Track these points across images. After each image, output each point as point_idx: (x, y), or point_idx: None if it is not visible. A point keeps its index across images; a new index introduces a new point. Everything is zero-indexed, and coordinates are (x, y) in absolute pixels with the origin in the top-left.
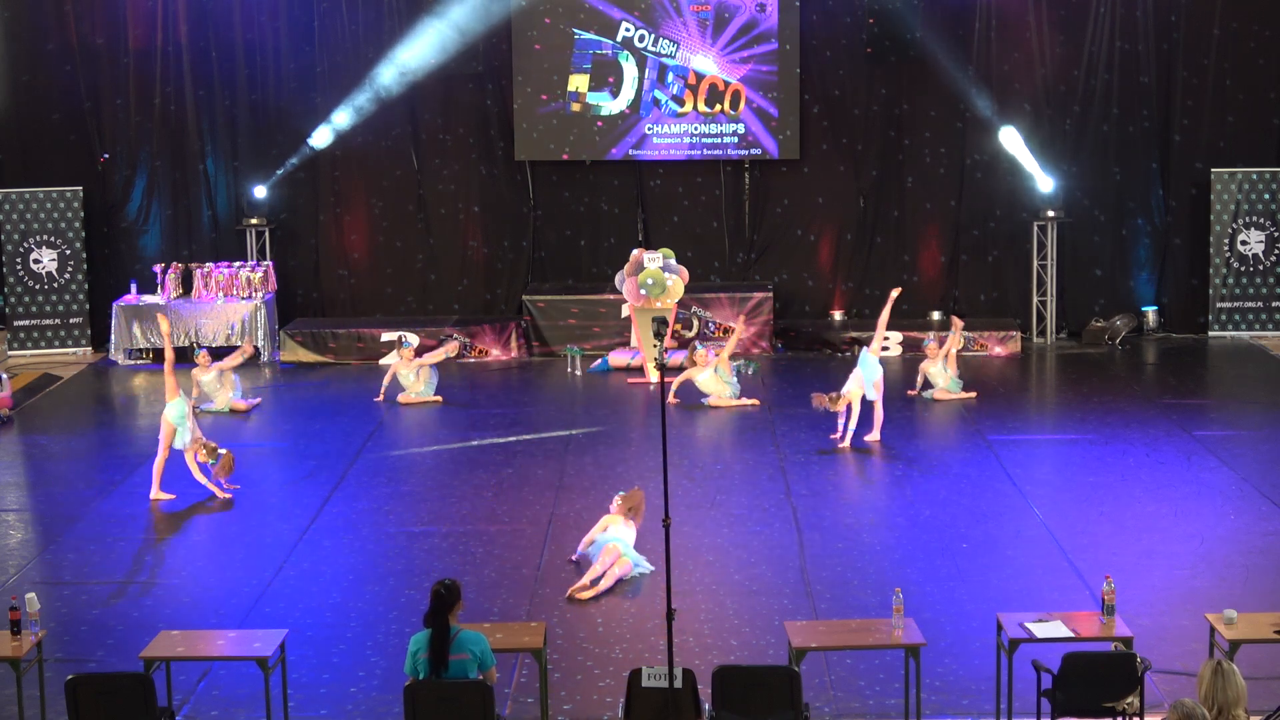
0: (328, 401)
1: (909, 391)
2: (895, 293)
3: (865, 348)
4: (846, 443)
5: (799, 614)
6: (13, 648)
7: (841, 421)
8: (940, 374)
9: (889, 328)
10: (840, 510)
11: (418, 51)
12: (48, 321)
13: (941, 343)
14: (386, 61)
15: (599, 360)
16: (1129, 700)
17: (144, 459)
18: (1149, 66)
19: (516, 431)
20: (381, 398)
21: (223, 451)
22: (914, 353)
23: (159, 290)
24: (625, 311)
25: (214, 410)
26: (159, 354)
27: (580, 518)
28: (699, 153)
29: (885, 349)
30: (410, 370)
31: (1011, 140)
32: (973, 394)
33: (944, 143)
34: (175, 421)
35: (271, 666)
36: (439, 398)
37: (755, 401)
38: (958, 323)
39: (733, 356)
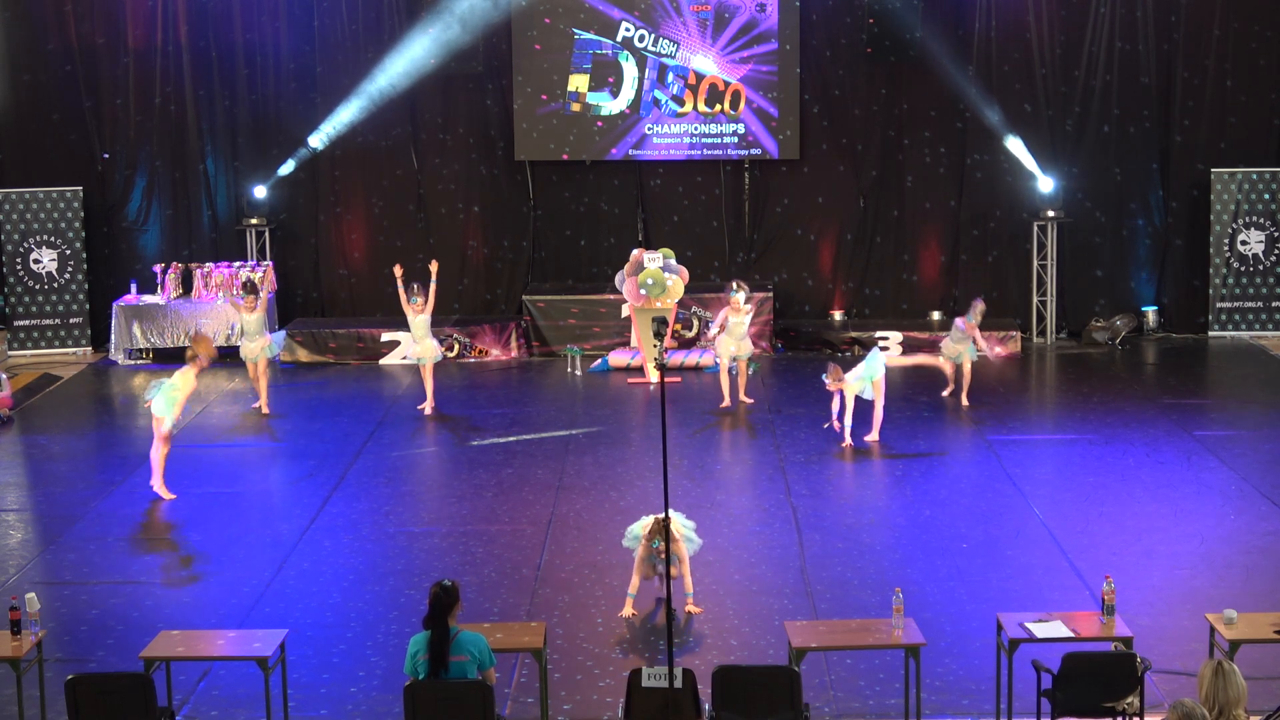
0: (328, 401)
1: (952, 400)
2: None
3: (877, 346)
4: (848, 442)
5: (799, 614)
6: (13, 648)
7: (835, 413)
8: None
9: (889, 328)
10: (840, 510)
11: (416, 53)
12: (48, 321)
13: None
14: (386, 62)
15: (599, 360)
16: (1129, 700)
17: (144, 459)
18: (1149, 67)
19: (516, 431)
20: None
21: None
22: (913, 353)
23: (159, 290)
24: (625, 311)
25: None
26: (159, 354)
27: (580, 518)
28: (699, 153)
29: (886, 347)
30: (421, 322)
31: (1015, 145)
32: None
33: (944, 143)
34: (162, 412)
35: (271, 666)
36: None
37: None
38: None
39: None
